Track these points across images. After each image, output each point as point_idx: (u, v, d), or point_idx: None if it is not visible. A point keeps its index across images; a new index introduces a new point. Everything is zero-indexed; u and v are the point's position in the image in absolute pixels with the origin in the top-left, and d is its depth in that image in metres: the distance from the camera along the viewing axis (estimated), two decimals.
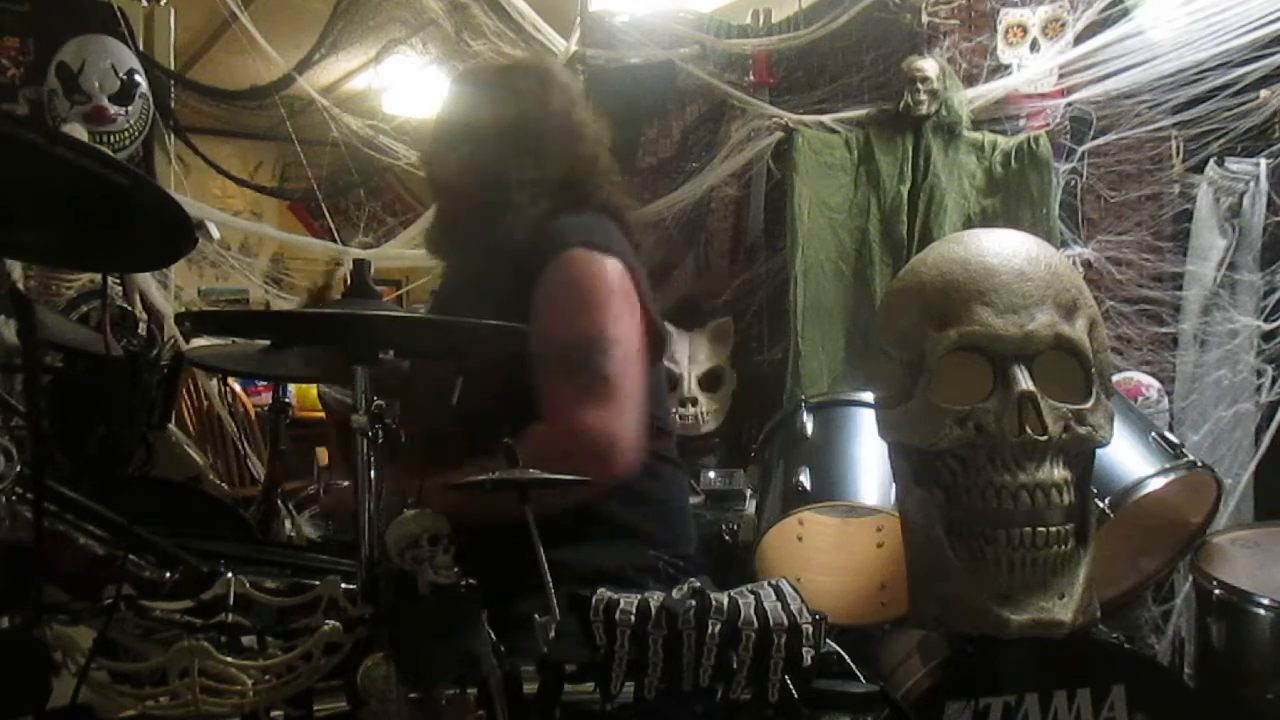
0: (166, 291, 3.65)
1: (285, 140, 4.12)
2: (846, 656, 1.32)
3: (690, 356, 3.55)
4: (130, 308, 3.41)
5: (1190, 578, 2.26)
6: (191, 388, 3.59)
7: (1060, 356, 1.60)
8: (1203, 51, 2.86)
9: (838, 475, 2.15)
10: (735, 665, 1.21)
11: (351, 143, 3.74)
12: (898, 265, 3.25)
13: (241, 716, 1.12)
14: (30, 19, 3.74)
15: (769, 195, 3.69)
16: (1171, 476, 1.93)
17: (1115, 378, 2.10)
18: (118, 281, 3.41)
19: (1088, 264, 3.14)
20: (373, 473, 1.17)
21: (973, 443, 1.57)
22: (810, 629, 1.23)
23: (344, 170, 4.08)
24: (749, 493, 2.80)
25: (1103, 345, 1.68)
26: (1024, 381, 1.56)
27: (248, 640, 1.12)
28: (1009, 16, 3.35)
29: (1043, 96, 3.29)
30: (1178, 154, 3.09)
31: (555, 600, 1.25)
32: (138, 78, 3.70)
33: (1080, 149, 3.19)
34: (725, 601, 1.24)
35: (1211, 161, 2.97)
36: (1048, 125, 3.27)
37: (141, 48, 3.78)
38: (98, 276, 3.02)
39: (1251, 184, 2.89)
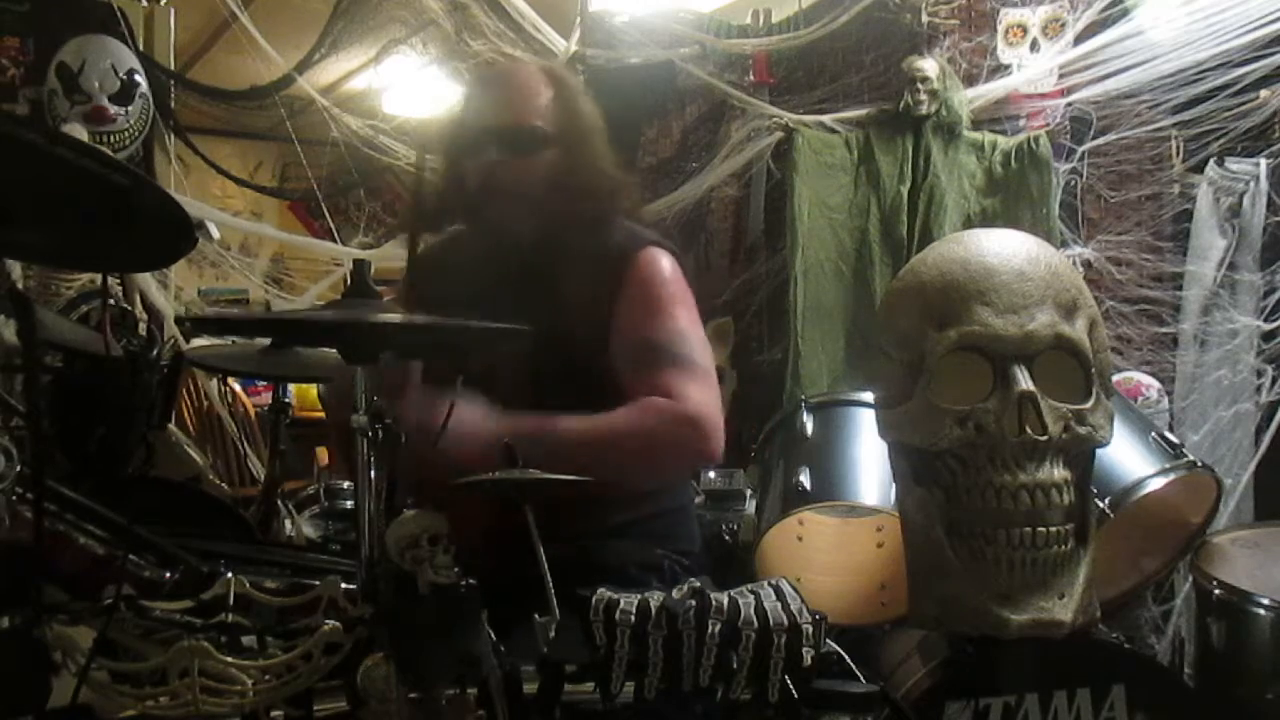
0: (166, 291, 3.65)
1: (285, 140, 4.12)
2: (846, 656, 1.32)
3: None
4: (130, 308, 3.41)
5: (1190, 578, 2.26)
6: (191, 388, 3.59)
7: (1060, 356, 1.60)
8: (1203, 51, 2.86)
9: (838, 475, 2.15)
10: (735, 665, 1.21)
11: (351, 143, 3.74)
12: (898, 265, 3.25)
13: (241, 716, 1.12)
14: (30, 19, 3.75)
15: (769, 195, 3.69)
16: (1171, 476, 1.93)
17: (1115, 378, 2.10)
18: (118, 281, 3.41)
19: (1088, 264, 3.14)
20: (373, 473, 1.17)
21: (973, 443, 1.57)
22: (810, 629, 1.23)
23: (344, 170, 4.08)
24: (749, 493, 2.80)
25: (1103, 345, 1.68)
26: (1024, 381, 1.56)
27: (248, 640, 1.12)
28: (1009, 16, 3.35)
29: (1043, 96, 3.29)
30: (1178, 154, 3.09)
31: (555, 600, 1.25)
32: (138, 78, 3.70)
33: (1080, 149, 3.19)
34: (725, 601, 1.24)
35: (1211, 161, 2.97)
36: (1048, 125, 3.27)
37: (141, 48, 3.78)
38: (98, 276, 3.02)
39: (1251, 184, 2.89)
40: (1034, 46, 3.30)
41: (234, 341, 2.31)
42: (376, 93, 4.32)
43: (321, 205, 4.31)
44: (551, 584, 1.24)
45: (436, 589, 1.12)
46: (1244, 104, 2.87)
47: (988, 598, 1.56)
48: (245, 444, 3.63)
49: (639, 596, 1.25)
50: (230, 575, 1.18)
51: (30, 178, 1.09)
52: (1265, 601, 1.90)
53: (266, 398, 2.83)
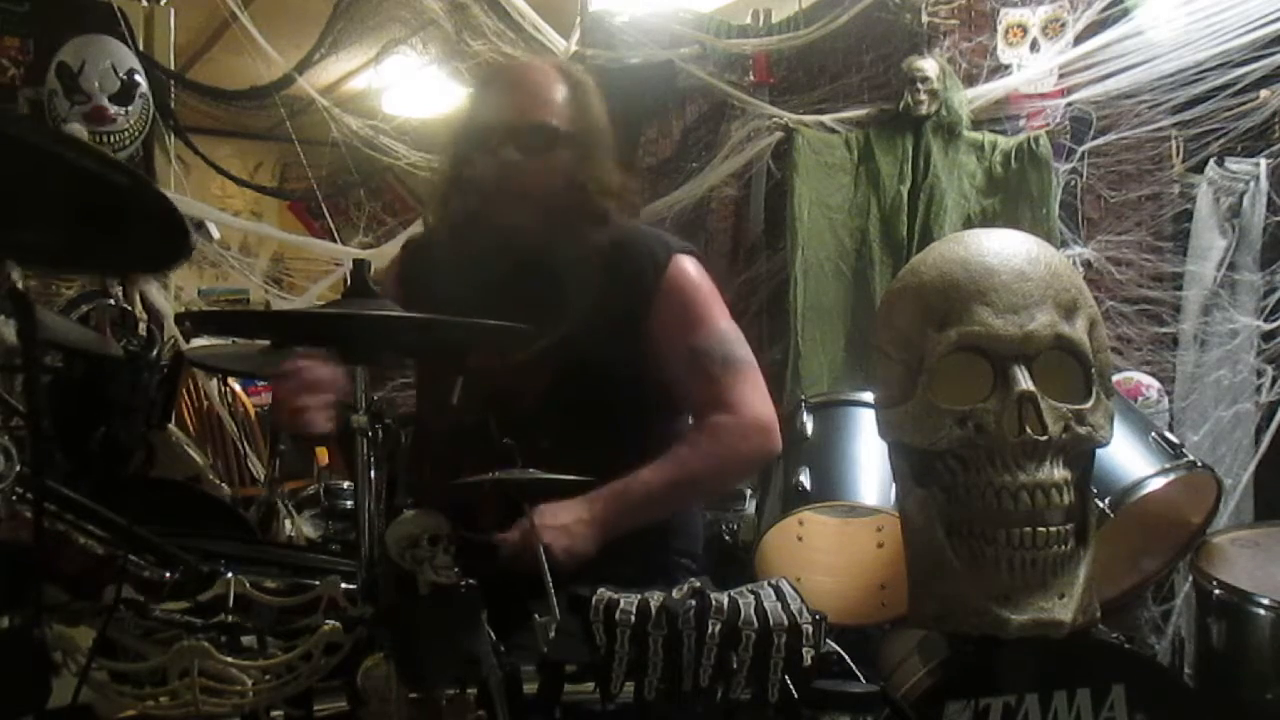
0: (166, 291, 3.64)
1: (285, 140, 4.12)
2: (846, 656, 1.32)
3: None
4: (130, 308, 3.41)
5: (1190, 578, 2.27)
6: (191, 388, 3.59)
7: (1060, 356, 1.60)
8: (1203, 51, 2.86)
9: (838, 475, 2.15)
10: (735, 665, 1.21)
11: (351, 143, 3.73)
12: (898, 265, 3.26)
13: (241, 716, 1.12)
14: (30, 19, 3.74)
15: (769, 195, 3.69)
16: (1171, 476, 1.93)
17: (1115, 378, 2.10)
18: (118, 281, 3.41)
19: (1088, 264, 3.14)
20: (373, 473, 1.17)
21: (973, 443, 1.57)
22: (810, 629, 1.23)
23: (344, 170, 4.07)
24: (749, 493, 2.80)
25: (1103, 345, 1.68)
26: (1024, 381, 1.56)
27: (248, 640, 1.12)
28: (1009, 16, 3.35)
29: (1043, 96, 3.29)
30: (1178, 154, 3.09)
31: (555, 600, 1.25)
32: (138, 78, 3.69)
33: (1080, 149, 3.19)
34: (725, 601, 1.24)
35: (1211, 161, 2.97)
36: (1048, 125, 3.27)
37: (141, 48, 3.78)
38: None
39: (1251, 184, 2.89)
40: (1034, 46, 3.30)
41: (234, 341, 2.31)
42: (376, 93, 4.31)
43: (321, 205, 4.31)
44: (552, 584, 1.25)
45: (436, 589, 1.11)
46: (1244, 104, 2.87)
47: (988, 598, 1.56)
48: (245, 444, 3.63)
49: (639, 596, 1.25)
50: (230, 575, 1.18)
51: (30, 178, 1.09)
52: (1265, 601, 1.90)
53: (266, 398, 2.83)
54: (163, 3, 3.94)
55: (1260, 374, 2.84)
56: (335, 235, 4.42)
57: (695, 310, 1.71)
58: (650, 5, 3.90)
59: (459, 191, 1.72)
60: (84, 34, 3.66)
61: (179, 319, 3.43)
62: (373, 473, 1.17)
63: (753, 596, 1.28)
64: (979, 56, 3.41)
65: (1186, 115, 2.98)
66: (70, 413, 2.06)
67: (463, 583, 1.13)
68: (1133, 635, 2.63)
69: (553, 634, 1.23)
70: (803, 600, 1.28)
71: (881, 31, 3.55)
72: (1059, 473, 1.56)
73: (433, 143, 3.41)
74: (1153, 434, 2.02)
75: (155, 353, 2.44)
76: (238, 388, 3.75)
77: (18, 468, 1.12)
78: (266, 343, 1.94)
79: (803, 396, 2.42)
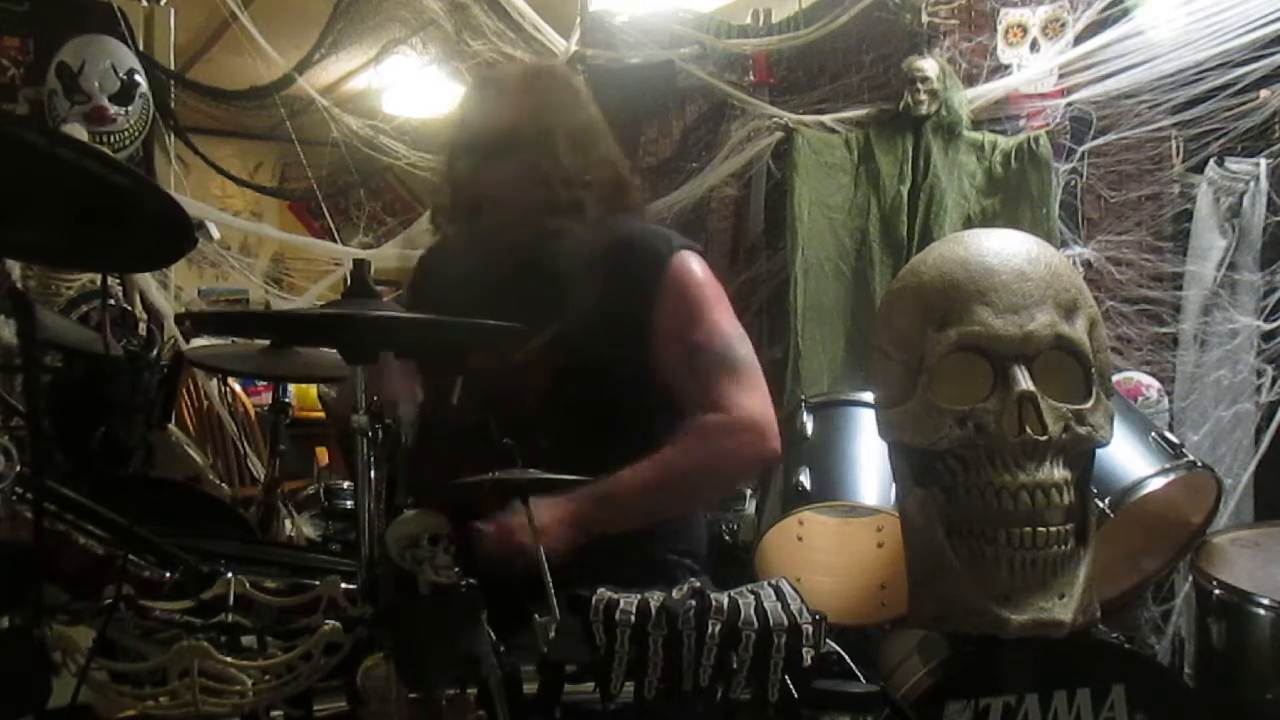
0: (166, 291, 3.64)
1: (285, 140, 4.12)
2: (846, 656, 1.32)
3: None
4: (130, 308, 3.40)
5: (1190, 578, 2.26)
6: (191, 388, 3.59)
7: (1060, 356, 1.60)
8: (1203, 51, 2.86)
9: (838, 475, 2.15)
10: (735, 665, 1.21)
11: (351, 143, 3.73)
12: (898, 265, 3.25)
13: (241, 716, 1.12)
14: (30, 19, 3.74)
15: (769, 195, 3.69)
16: (1171, 476, 1.93)
17: (1115, 378, 2.10)
18: (118, 281, 3.41)
19: (1088, 264, 3.14)
20: (373, 473, 1.17)
21: (973, 443, 1.57)
22: (810, 629, 1.23)
23: (344, 170, 4.07)
24: (749, 493, 2.80)
25: (1103, 345, 1.68)
26: (1024, 381, 1.56)
27: (248, 640, 1.12)
28: (1009, 16, 3.35)
29: (1043, 96, 3.29)
30: (1178, 154, 3.09)
31: (555, 600, 1.25)
32: (138, 78, 3.70)
33: (1080, 149, 3.19)
34: (725, 601, 1.24)
35: (1211, 161, 2.97)
36: (1048, 125, 3.27)
37: (141, 48, 3.78)
38: (98, 276, 3.02)
39: (1251, 184, 2.89)
40: (1034, 46, 3.30)
41: (234, 341, 2.31)
42: (376, 93, 4.31)
43: (321, 205, 4.31)
44: (552, 584, 1.25)
45: (436, 589, 1.11)
46: (1244, 104, 2.87)
47: (988, 598, 1.56)
48: (245, 444, 3.63)
49: (639, 596, 1.25)
50: (230, 575, 1.18)
51: (30, 178, 1.09)
52: (1265, 601, 1.90)
53: (266, 398, 2.83)
54: (163, 3, 3.94)
55: (1260, 374, 2.84)
56: (335, 235, 4.42)
57: (696, 307, 1.69)
58: (650, 5, 3.90)
59: (446, 204, 1.78)
60: (84, 34, 3.66)
61: (179, 319, 3.43)
62: (373, 473, 1.17)
63: (753, 596, 1.28)
64: (979, 56, 3.41)
65: (1186, 115, 2.97)
66: (70, 413, 2.06)
67: (463, 583, 1.13)
68: (1133, 635, 2.63)
69: (553, 634, 1.23)
70: (803, 600, 1.28)
71: (881, 31, 3.55)
72: (1059, 473, 1.56)
73: (433, 143, 3.41)
74: (1153, 434, 2.02)
75: (155, 353, 2.44)
76: (238, 388, 3.75)
77: (18, 468, 1.12)
78: (266, 343, 1.94)
79: (803, 396, 2.42)
